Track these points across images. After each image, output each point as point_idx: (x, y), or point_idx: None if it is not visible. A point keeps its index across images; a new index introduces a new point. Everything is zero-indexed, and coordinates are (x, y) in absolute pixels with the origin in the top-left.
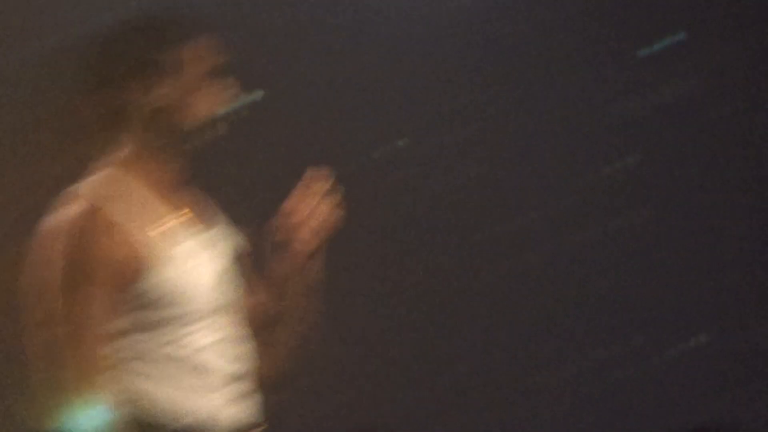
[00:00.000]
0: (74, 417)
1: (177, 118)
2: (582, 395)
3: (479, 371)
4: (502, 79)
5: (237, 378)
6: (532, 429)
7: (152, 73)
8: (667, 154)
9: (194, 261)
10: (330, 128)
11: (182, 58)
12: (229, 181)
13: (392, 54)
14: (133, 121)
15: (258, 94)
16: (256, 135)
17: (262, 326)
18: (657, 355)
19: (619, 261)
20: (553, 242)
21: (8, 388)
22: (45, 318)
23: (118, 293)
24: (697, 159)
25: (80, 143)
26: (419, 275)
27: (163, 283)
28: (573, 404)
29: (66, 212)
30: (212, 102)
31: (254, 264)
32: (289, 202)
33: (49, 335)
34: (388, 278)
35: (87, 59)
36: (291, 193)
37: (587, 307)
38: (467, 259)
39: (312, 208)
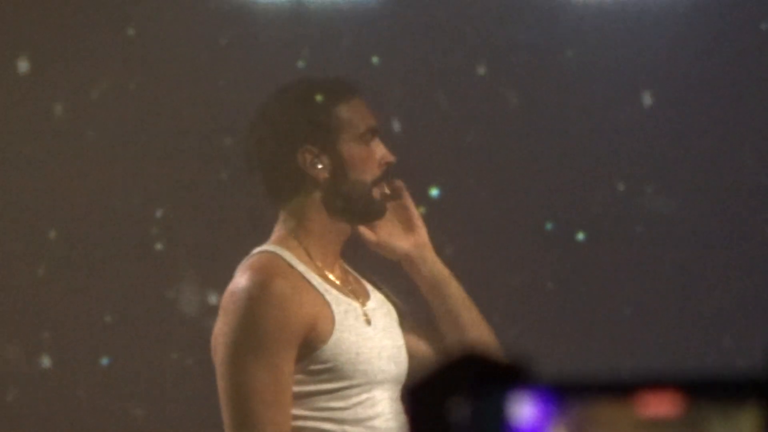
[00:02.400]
0: None
1: (342, 184)
2: None
3: None
4: None
5: None
6: None
7: (318, 136)
8: None
9: (361, 332)
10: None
11: (342, 119)
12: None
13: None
14: (302, 188)
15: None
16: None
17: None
18: None
19: None
20: None
21: None
22: (228, 387)
23: (294, 362)
24: None
25: (251, 210)
26: None
27: (332, 354)
28: None
29: (238, 285)
30: (372, 165)
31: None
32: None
33: (235, 401)
34: None
35: (254, 129)
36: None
37: None
38: None
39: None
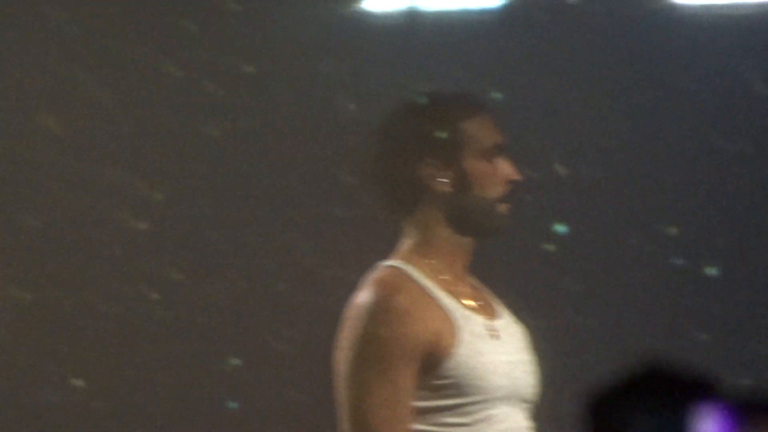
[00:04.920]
0: None
1: (464, 199)
2: None
3: None
4: None
5: None
6: None
7: (442, 150)
8: None
9: (486, 348)
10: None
11: (467, 134)
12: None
13: None
14: (424, 202)
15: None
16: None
17: None
18: None
19: None
20: None
21: None
22: (347, 400)
23: (415, 377)
24: None
25: (375, 224)
26: None
27: (455, 370)
28: None
29: (361, 299)
30: (496, 181)
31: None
32: None
33: (353, 416)
34: None
35: (378, 141)
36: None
37: None
38: None
39: None
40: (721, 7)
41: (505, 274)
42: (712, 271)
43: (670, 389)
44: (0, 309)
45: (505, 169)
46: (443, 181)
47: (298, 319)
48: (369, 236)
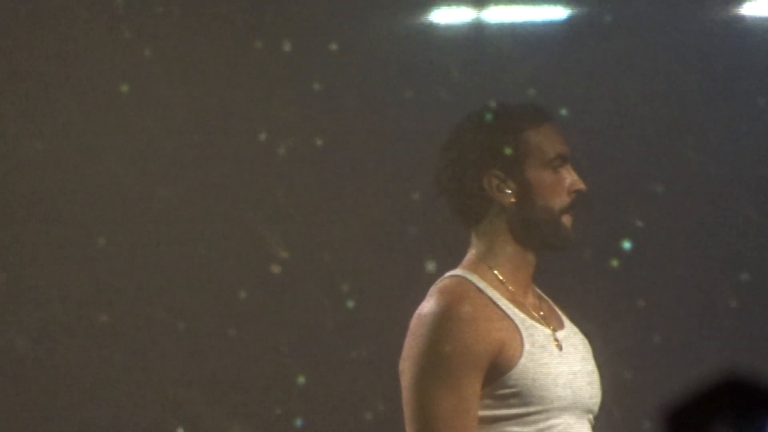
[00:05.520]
0: None
1: (528, 209)
2: None
3: None
4: None
5: None
6: None
7: (505, 161)
8: None
9: (550, 358)
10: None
11: (530, 145)
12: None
13: None
14: (489, 213)
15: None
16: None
17: None
18: None
19: None
20: None
21: None
22: (413, 410)
23: (480, 386)
24: None
25: (446, 242)
26: None
27: (519, 380)
28: None
29: (426, 308)
30: (560, 191)
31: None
32: None
33: (418, 424)
34: None
35: (443, 152)
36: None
37: None
38: None
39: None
40: None
41: (570, 289)
42: None
43: (746, 401)
44: (76, 330)
45: (570, 179)
46: (507, 192)
47: (367, 337)
48: (440, 254)
